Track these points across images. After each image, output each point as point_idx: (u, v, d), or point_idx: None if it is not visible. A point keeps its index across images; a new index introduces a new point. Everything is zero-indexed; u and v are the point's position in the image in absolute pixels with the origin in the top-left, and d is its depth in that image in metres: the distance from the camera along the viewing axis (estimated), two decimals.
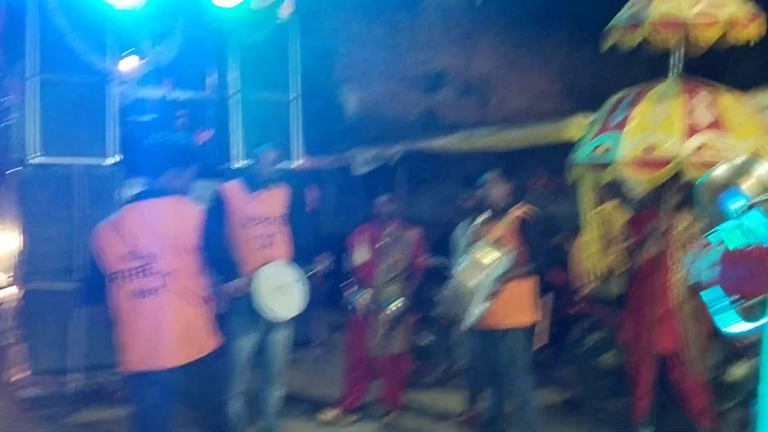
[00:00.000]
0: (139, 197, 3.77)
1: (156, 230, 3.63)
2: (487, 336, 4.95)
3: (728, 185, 2.50)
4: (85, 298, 3.87)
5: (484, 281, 4.62)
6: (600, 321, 6.07)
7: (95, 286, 3.74)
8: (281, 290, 4.89)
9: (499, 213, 5.04)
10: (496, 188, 5.03)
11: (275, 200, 5.16)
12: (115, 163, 5.99)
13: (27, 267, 5.67)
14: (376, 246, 5.88)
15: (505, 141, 8.06)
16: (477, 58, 15.32)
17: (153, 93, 6.82)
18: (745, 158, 2.65)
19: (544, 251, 5.06)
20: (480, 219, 5.26)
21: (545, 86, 15.70)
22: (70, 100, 5.87)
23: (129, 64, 6.09)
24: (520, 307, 4.96)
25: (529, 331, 5.09)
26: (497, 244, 4.79)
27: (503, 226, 4.96)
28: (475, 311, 4.67)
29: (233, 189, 5.07)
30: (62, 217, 5.72)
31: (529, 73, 15.62)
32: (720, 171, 2.59)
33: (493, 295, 4.69)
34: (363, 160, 10.09)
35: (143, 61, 6.08)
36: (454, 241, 6.06)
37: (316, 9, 12.84)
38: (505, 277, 4.72)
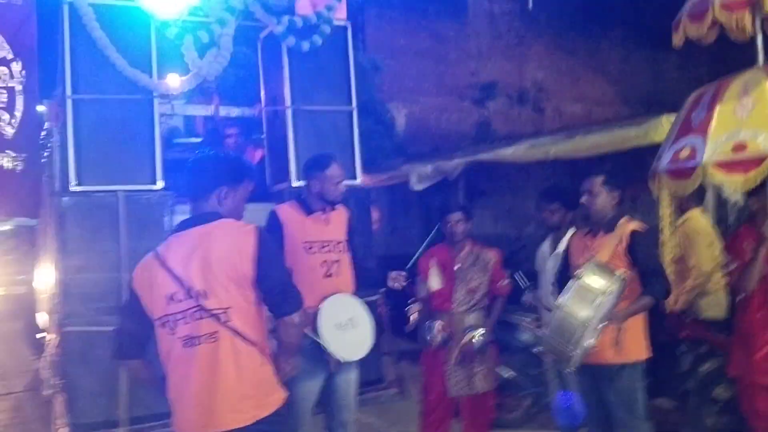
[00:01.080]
0: (184, 225, 3.03)
1: (207, 262, 2.88)
2: (597, 373, 4.13)
3: None
4: (117, 351, 3.12)
5: (597, 312, 3.82)
6: (711, 347, 5.22)
7: (130, 335, 3.05)
8: (348, 327, 4.20)
9: (603, 227, 4.23)
10: (601, 198, 4.21)
11: (339, 222, 4.47)
12: (163, 188, 5.33)
13: (66, 307, 5.01)
14: (452, 270, 5.11)
15: (583, 147, 7.23)
16: (529, 66, 14.59)
17: (200, 110, 6.15)
18: None
19: (660, 273, 4.24)
20: (569, 235, 4.49)
21: (601, 92, 14.88)
22: (111, 121, 5.22)
23: (174, 80, 5.42)
24: (636, 339, 4.13)
25: (645, 366, 4.26)
26: (607, 266, 3.98)
27: (611, 244, 4.14)
28: (585, 346, 3.88)
29: (292, 211, 4.38)
30: (105, 249, 5.04)
31: (584, 80, 14.83)
32: None
33: (605, 326, 3.90)
34: (421, 176, 9.32)
35: (189, 75, 5.42)
36: (539, 262, 5.27)
37: (359, 24, 12.25)
38: (626, 313, 3.96)
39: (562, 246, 4.85)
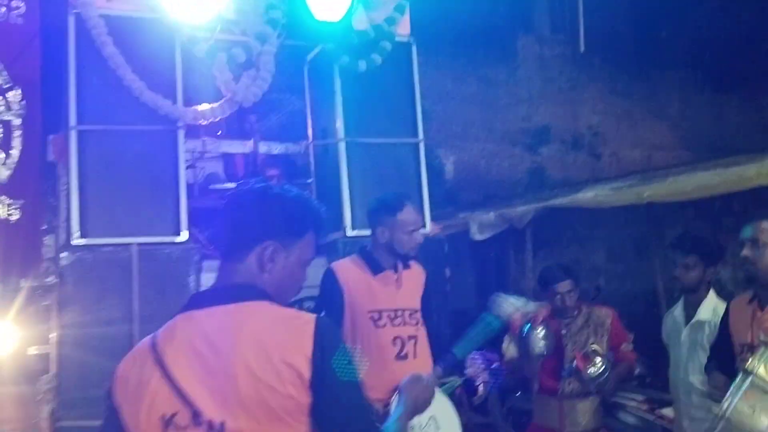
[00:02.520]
0: (201, 301, 1.79)
1: (231, 373, 1.62)
2: None
3: None
4: None
5: None
6: None
7: None
8: (430, 429, 2.97)
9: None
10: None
11: (414, 285, 3.29)
12: (188, 241, 4.10)
13: (62, 394, 3.76)
14: (557, 333, 3.85)
15: (687, 189, 5.91)
16: (583, 110, 13.38)
17: (236, 147, 4.95)
18: None
19: None
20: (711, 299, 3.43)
21: (661, 136, 13.58)
22: (124, 158, 4.03)
23: (203, 109, 4.24)
24: None
25: None
26: None
27: None
28: None
29: (354, 269, 3.20)
30: (113, 320, 3.79)
31: (641, 124, 13.56)
32: None
33: None
34: (483, 224, 8.06)
35: (221, 102, 4.25)
36: (669, 333, 3.97)
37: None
38: None
39: (704, 314, 3.65)
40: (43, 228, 4.36)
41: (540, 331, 3.63)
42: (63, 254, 3.81)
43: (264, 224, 1.77)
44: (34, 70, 4.11)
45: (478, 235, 8.04)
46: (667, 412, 5.12)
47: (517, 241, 9.86)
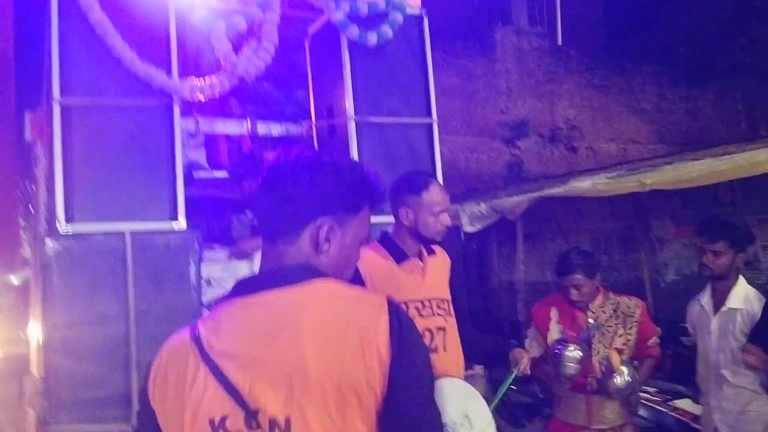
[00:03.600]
0: (249, 286, 1.46)
1: (297, 364, 1.33)
2: None
3: None
4: None
5: None
6: None
7: None
8: (463, 428, 2.55)
9: None
10: None
11: (440, 273, 2.90)
12: (187, 228, 3.63)
13: (50, 395, 3.27)
14: (586, 328, 3.49)
15: (692, 176, 5.60)
16: (560, 103, 13.18)
17: (232, 127, 4.48)
18: None
19: None
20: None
21: (636, 130, 13.45)
22: (115, 136, 3.55)
23: (201, 82, 3.77)
24: None
25: None
26: None
27: None
28: None
29: (375, 257, 2.79)
30: (106, 315, 3.31)
31: (617, 117, 13.42)
32: None
33: None
34: (473, 216, 7.69)
35: (220, 75, 3.78)
36: (695, 322, 3.67)
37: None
38: None
39: (735, 301, 3.44)
40: (19, 216, 3.85)
41: (573, 351, 3.27)
42: (48, 243, 3.31)
43: (318, 199, 1.45)
44: (7, 41, 3.59)
45: (469, 227, 7.69)
46: (681, 403, 4.85)
47: (500, 234, 9.55)
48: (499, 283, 10.30)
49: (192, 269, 3.48)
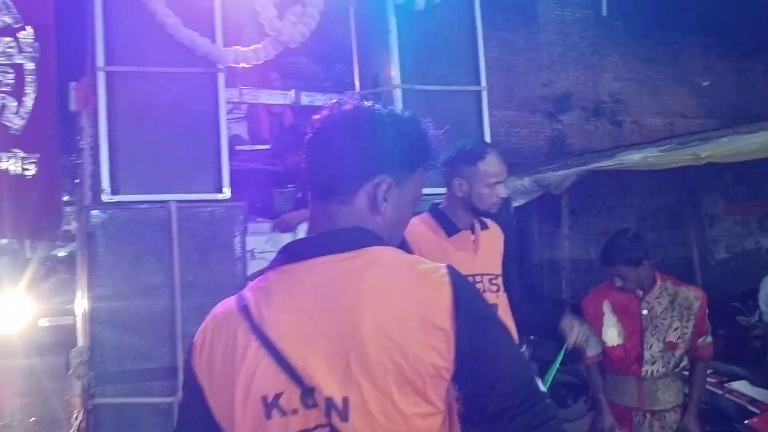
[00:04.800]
0: (299, 252, 1.35)
1: (354, 339, 1.22)
2: None
3: None
4: None
5: None
6: None
7: None
8: None
9: None
10: None
11: (492, 247, 2.78)
12: (232, 198, 3.58)
13: (97, 368, 3.26)
14: (637, 316, 3.34)
15: (749, 149, 5.38)
16: (605, 76, 12.84)
17: (276, 98, 4.39)
18: None
19: None
20: None
21: (683, 104, 13.07)
22: (159, 105, 3.50)
23: (245, 49, 3.68)
24: None
25: None
26: None
27: None
28: None
29: (425, 230, 2.69)
30: (151, 285, 3.30)
31: (664, 91, 13.04)
32: None
33: None
34: (516, 190, 7.54)
35: (265, 42, 3.70)
36: (766, 301, 3.48)
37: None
38: None
39: None
40: (63, 190, 3.84)
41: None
42: (94, 213, 3.29)
43: (378, 154, 1.34)
44: (47, 8, 3.53)
45: (512, 202, 7.53)
46: (737, 385, 4.70)
47: (542, 210, 9.39)
48: (541, 260, 10.14)
49: (237, 240, 3.44)
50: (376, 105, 1.41)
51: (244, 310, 1.30)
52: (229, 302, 1.35)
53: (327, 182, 1.36)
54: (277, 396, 1.24)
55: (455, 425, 1.32)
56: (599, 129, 12.84)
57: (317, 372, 1.22)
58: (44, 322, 11.43)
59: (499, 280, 2.78)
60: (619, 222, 9.44)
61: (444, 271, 1.29)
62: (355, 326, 1.22)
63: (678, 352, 3.25)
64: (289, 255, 1.34)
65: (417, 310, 1.23)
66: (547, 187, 7.27)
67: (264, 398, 1.24)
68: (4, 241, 16.90)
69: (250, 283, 1.39)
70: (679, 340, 3.25)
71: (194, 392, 1.34)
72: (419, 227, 2.76)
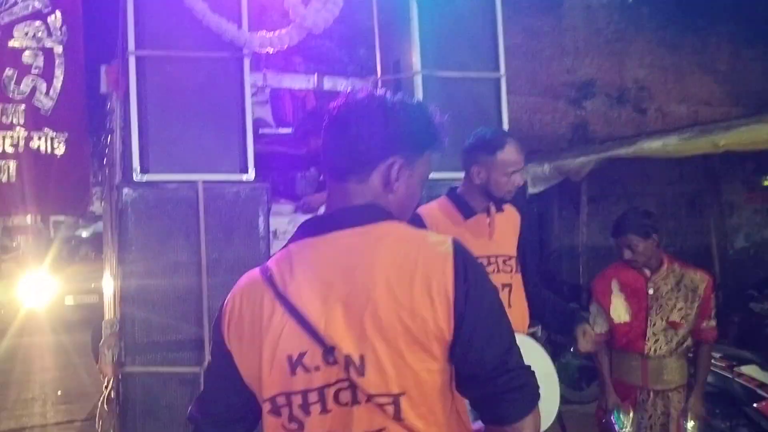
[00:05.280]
0: (319, 226, 1.51)
1: (368, 303, 1.38)
2: None
3: None
4: None
5: None
6: None
7: (214, 425, 1.54)
8: None
9: None
10: None
11: (508, 230, 2.89)
12: (256, 179, 3.73)
13: (126, 338, 3.44)
14: (644, 295, 3.45)
15: None
16: (629, 63, 12.78)
17: (299, 82, 4.52)
18: None
19: None
20: None
21: (709, 91, 12.97)
22: (187, 88, 3.65)
23: (270, 35, 3.81)
24: None
25: None
26: None
27: None
28: None
29: (442, 213, 2.80)
30: (179, 261, 3.46)
31: (689, 78, 12.95)
32: None
33: None
34: (536, 177, 7.62)
35: (289, 27, 3.83)
36: None
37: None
38: None
39: None
40: (91, 172, 4.01)
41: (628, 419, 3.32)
42: (124, 191, 3.45)
43: (392, 137, 1.48)
44: None
45: (531, 188, 7.61)
46: (747, 370, 4.78)
47: (562, 196, 9.45)
48: (560, 246, 10.20)
49: (261, 220, 3.59)
50: (388, 93, 1.54)
51: (269, 279, 1.44)
52: (254, 273, 1.50)
53: (344, 164, 1.49)
54: (301, 355, 1.38)
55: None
56: (623, 116, 12.81)
57: (336, 333, 1.36)
58: (70, 300, 11.73)
59: (513, 262, 2.89)
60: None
61: (449, 242, 1.43)
62: (369, 292, 1.36)
63: (681, 331, 3.36)
64: (309, 229, 1.49)
65: (424, 278, 1.36)
66: (566, 174, 7.34)
67: (289, 357, 1.39)
68: (28, 220, 17.30)
69: (274, 256, 1.53)
70: (683, 320, 3.35)
71: (223, 356, 1.49)
72: (436, 210, 2.88)
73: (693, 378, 3.49)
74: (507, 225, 2.94)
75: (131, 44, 3.57)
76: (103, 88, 3.96)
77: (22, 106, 3.33)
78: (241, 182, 3.64)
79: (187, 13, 3.62)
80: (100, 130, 4.68)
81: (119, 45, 3.83)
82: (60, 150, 3.45)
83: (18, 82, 3.34)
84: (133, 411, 3.35)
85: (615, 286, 3.49)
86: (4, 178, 3.24)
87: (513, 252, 2.91)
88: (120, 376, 3.39)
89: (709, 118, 12.11)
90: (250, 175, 3.66)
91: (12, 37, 3.36)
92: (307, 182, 4.75)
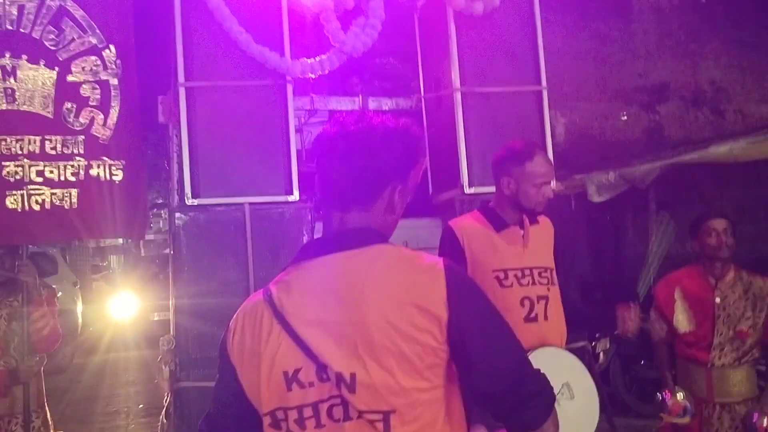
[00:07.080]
0: (317, 249, 1.58)
1: (360, 322, 1.45)
2: None
3: None
4: None
5: None
6: None
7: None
8: (563, 397, 2.65)
9: None
10: None
11: (543, 241, 2.91)
12: (300, 200, 3.89)
13: (181, 353, 3.65)
14: (710, 304, 3.38)
15: None
16: (704, 64, 12.40)
17: (345, 104, 4.67)
18: None
19: None
20: None
21: None
22: (233, 115, 3.85)
23: (312, 61, 3.98)
24: None
25: None
26: None
27: None
28: None
29: (475, 226, 2.84)
30: (232, 280, 3.66)
31: None
32: None
33: None
34: (601, 185, 7.53)
35: (330, 53, 3.98)
36: None
37: None
38: None
39: None
40: (147, 190, 4.24)
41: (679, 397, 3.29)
42: (177, 215, 3.68)
43: (394, 165, 1.54)
44: (128, 26, 3.90)
45: (596, 197, 7.53)
46: None
47: (635, 203, 9.25)
48: (634, 255, 9.98)
49: (305, 239, 3.74)
50: (378, 120, 1.58)
51: (269, 299, 1.55)
52: (257, 294, 1.62)
53: (350, 194, 1.54)
54: (297, 371, 1.47)
55: (456, 399, 1.52)
56: (699, 119, 12.43)
57: (328, 351, 1.44)
58: (155, 316, 12.29)
59: (550, 273, 2.90)
60: (717, 214, 9.19)
61: (440, 265, 1.49)
62: (361, 313, 1.44)
63: (748, 341, 3.29)
64: (306, 253, 1.58)
65: (414, 299, 1.43)
66: (632, 182, 7.22)
67: (285, 373, 1.48)
68: (120, 241, 18.14)
69: (275, 278, 1.64)
70: (750, 329, 3.28)
71: (228, 372, 1.59)
72: (469, 223, 2.93)
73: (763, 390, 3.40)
74: (542, 237, 2.96)
75: (181, 76, 3.80)
76: (161, 117, 4.21)
77: (82, 137, 3.55)
78: (286, 203, 3.80)
79: (233, 44, 3.83)
80: (163, 157, 4.95)
81: (173, 77, 4.07)
82: (118, 177, 3.66)
83: (77, 115, 3.57)
84: (188, 423, 3.54)
85: (678, 294, 3.44)
86: (67, 205, 3.47)
87: (549, 264, 2.92)
88: (176, 390, 3.58)
89: None
90: (295, 195, 3.82)
91: (70, 72, 3.59)
92: None
